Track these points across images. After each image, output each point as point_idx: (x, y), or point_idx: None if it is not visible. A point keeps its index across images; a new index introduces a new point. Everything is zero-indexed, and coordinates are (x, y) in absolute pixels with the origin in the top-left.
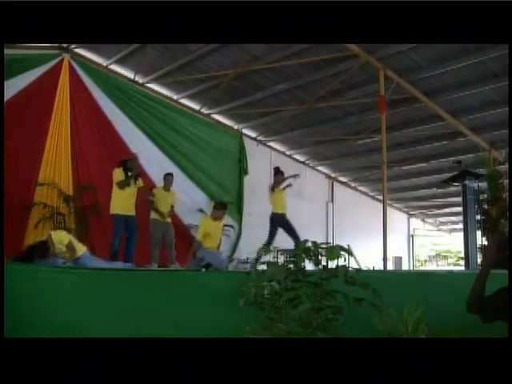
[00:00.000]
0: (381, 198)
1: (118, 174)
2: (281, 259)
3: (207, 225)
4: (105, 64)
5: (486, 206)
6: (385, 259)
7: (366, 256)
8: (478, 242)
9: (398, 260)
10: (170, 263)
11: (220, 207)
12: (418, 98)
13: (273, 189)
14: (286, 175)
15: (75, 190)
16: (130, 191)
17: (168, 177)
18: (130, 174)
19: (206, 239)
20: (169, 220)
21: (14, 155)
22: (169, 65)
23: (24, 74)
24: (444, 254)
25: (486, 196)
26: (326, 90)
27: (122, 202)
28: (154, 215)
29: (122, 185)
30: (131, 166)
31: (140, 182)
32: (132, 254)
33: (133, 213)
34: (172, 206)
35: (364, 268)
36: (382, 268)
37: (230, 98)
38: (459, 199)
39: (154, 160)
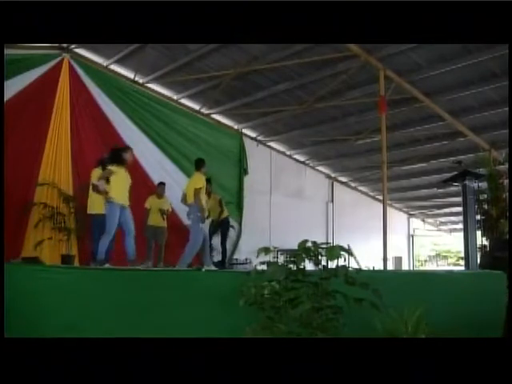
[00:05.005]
0: (381, 198)
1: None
2: (281, 259)
3: None
4: (105, 64)
5: (486, 206)
6: (385, 259)
7: (366, 256)
8: (478, 242)
9: (398, 260)
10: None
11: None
12: (418, 98)
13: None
14: (286, 175)
15: (75, 189)
16: None
17: (161, 185)
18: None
19: None
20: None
21: (14, 155)
22: (169, 65)
23: (24, 73)
24: (444, 254)
25: (486, 196)
26: (326, 90)
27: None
28: (150, 222)
29: None
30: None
31: None
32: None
33: None
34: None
35: (364, 268)
36: (382, 268)
37: (230, 98)
38: (459, 199)
39: (154, 160)
